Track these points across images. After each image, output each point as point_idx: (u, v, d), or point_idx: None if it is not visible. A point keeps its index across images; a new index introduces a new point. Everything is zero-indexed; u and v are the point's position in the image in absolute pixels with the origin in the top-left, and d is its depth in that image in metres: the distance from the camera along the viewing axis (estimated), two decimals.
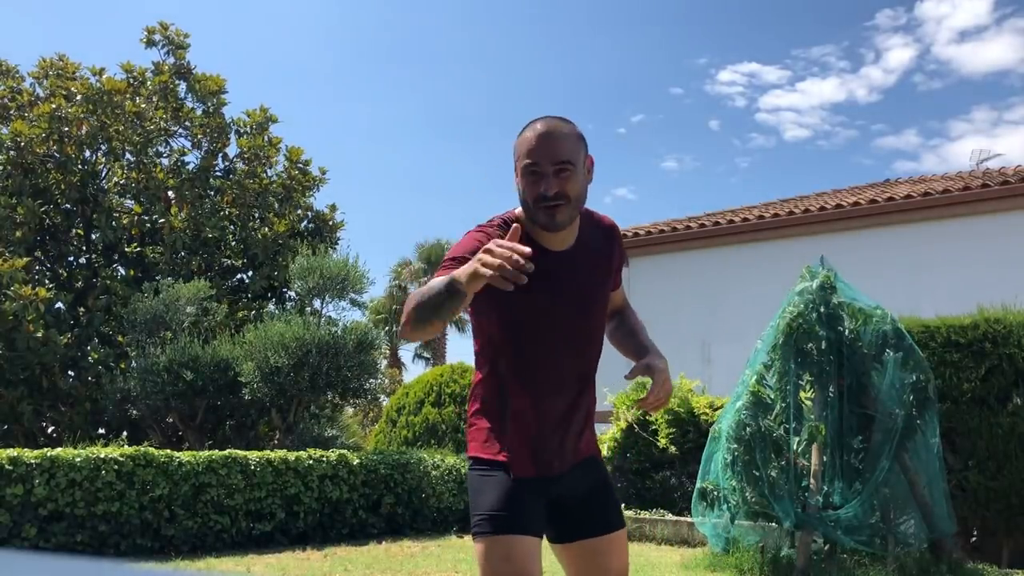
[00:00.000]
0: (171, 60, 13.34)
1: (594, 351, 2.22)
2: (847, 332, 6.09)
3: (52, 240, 12.43)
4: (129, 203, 13.07)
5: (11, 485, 6.28)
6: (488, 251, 1.76)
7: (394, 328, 29.63)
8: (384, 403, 17.39)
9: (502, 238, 1.96)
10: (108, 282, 11.98)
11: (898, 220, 10.90)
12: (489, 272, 1.74)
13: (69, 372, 11.50)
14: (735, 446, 6.03)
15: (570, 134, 2.06)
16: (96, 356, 11.56)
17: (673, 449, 8.32)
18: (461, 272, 1.83)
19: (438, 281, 1.89)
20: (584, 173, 2.09)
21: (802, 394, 6.05)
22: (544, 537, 2.19)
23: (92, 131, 12.04)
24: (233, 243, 13.26)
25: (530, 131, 2.06)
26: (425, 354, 30.63)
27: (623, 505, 7.28)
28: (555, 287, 2.10)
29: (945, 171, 13.78)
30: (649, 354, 2.21)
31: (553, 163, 2.01)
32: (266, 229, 12.95)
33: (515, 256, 1.72)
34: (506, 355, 2.18)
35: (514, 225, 1.91)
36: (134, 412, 10.53)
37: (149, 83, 13.05)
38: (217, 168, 13.47)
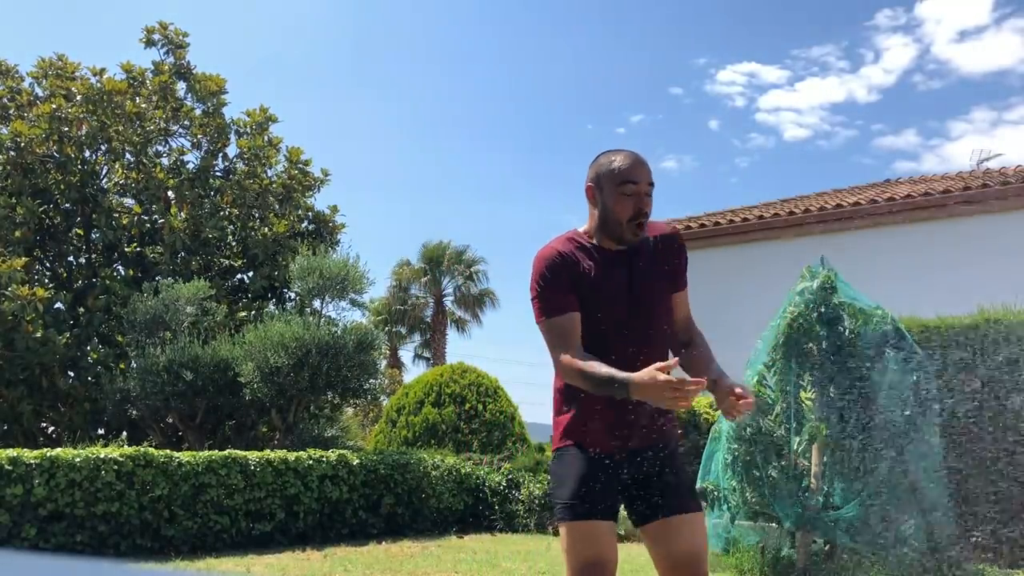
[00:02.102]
0: (170, 60, 13.34)
1: (658, 336, 2.43)
2: (847, 332, 6.09)
3: (51, 240, 12.42)
4: (129, 203, 13.07)
5: (11, 485, 6.27)
6: (675, 390, 2.09)
7: (394, 328, 29.67)
8: (384, 403, 17.39)
9: (576, 258, 2.40)
10: (108, 282, 11.97)
11: (898, 220, 10.89)
12: (657, 395, 2.12)
13: (69, 372, 11.49)
14: (735, 446, 6.03)
15: (648, 164, 2.43)
16: (96, 356, 11.56)
17: None
18: (634, 380, 2.15)
19: (611, 377, 2.21)
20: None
21: (802, 394, 6.05)
22: (631, 520, 2.48)
23: (92, 131, 12.04)
24: (233, 243, 13.26)
25: (624, 159, 2.40)
26: (425, 354, 30.63)
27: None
28: (616, 279, 2.40)
29: (945, 171, 13.78)
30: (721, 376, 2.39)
31: (648, 185, 2.38)
32: (266, 229, 12.95)
33: (688, 396, 2.10)
34: (590, 334, 2.40)
35: (694, 387, 2.13)
36: (134, 412, 10.52)
37: (149, 83, 13.04)
38: (217, 168, 13.46)
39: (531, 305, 2.45)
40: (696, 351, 2.52)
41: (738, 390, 2.26)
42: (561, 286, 2.37)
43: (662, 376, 2.11)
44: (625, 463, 2.42)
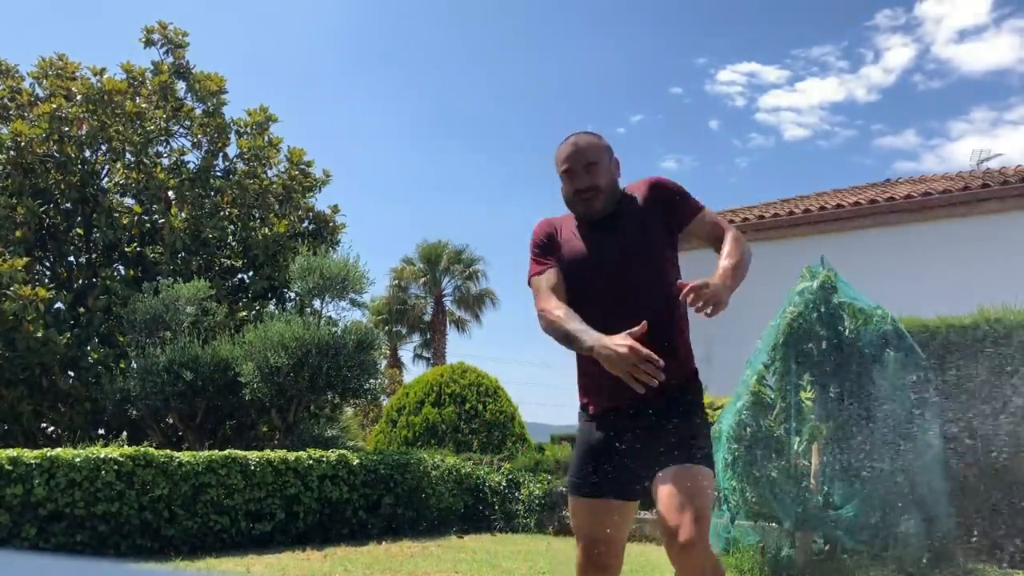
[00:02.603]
0: (170, 59, 13.33)
1: (651, 301, 2.45)
2: (847, 332, 6.09)
3: (52, 240, 12.41)
4: (129, 203, 13.06)
5: (11, 485, 6.27)
6: (627, 353, 2.17)
7: (394, 328, 29.67)
8: (384, 403, 17.38)
9: (561, 225, 2.62)
10: (108, 282, 11.97)
11: (898, 220, 10.89)
12: (617, 368, 2.19)
13: (69, 372, 11.49)
14: (735, 446, 6.02)
15: (594, 141, 2.60)
16: (96, 356, 11.56)
17: None
18: (596, 347, 2.25)
19: (574, 335, 2.34)
20: (612, 173, 2.59)
21: (802, 394, 6.05)
22: (632, 496, 2.51)
23: (92, 131, 12.04)
24: (233, 243, 13.25)
25: (564, 145, 2.60)
26: (425, 354, 30.62)
27: None
28: (595, 249, 2.53)
29: (945, 171, 13.78)
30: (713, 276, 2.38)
31: (583, 164, 2.54)
32: (266, 230, 12.95)
33: (642, 367, 2.16)
34: (573, 306, 2.50)
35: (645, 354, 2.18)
36: (134, 412, 10.52)
37: (149, 83, 13.04)
38: (217, 168, 13.46)
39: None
40: (719, 261, 2.50)
41: (691, 286, 2.25)
42: (544, 248, 2.60)
43: (623, 346, 2.17)
44: (628, 425, 2.43)
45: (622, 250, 2.49)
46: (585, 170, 2.53)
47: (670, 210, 2.55)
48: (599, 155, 2.56)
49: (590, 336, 2.29)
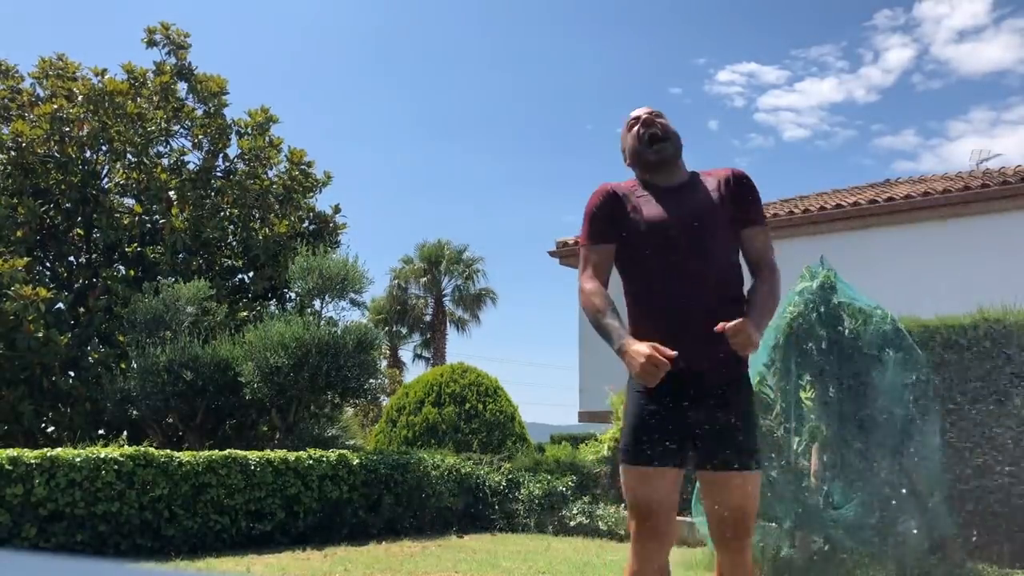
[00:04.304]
0: (172, 60, 13.34)
1: (714, 270, 2.48)
2: (847, 332, 6.09)
3: (53, 240, 12.42)
4: (130, 203, 13.07)
5: (11, 485, 6.27)
6: (646, 364, 2.26)
7: (394, 328, 29.66)
8: (384, 403, 17.38)
9: (626, 194, 2.60)
10: (108, 282, 11.97)
11: (898, 220, 10.89)
12: (635, 375, 2.31)
13: (69, 372, 11.49)
14: None
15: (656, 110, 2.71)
16: (96, 356, 11.56)
17: None
18: (621, 350, 2.35)
19: (608, 328, 2.42)
20: (677, 134, 2.66)
21: (802, 394, 6.05)
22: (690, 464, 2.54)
23: (93, 131, 12.04)
24: (234, 244, 13.26)
25: (632, 111, 2.73)
26: (425, 354, 30.63)
27: (624, 506, 7.27)
28: (674, 209, 2.54)
29: (944, 171, 13.78)
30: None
31: (648, 115, 2.67)
32: (267, 230, 12.95)
33: (653, 372, 2.27)
34: (640, 274, 2.56)
35: (666, 358, 2.28)
36: (134, 412, 10.51)
37: (150, 83, 13.05)
38: (218, 169, 13.46)
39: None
40: (748, 300, 2.53)
41: (735, 323, 2.28)
42: (602, 217, 2.59)
43: (643, 356, 2.27)
44: (685, 393, 2.45)
45: (696, 211, 2.52)
46: (651, 117, 2.65)
47: (738, 206, 2.58)
48: (664, 114, 2.70)
49: (618, 335, 2.37)
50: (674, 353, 2.27)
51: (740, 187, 2.59)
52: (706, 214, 2.52)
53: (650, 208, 2.54)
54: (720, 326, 2.28)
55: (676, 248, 2.48)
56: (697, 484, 6.55)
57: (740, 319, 2.30)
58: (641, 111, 2.70)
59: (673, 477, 2.49)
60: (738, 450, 2.44)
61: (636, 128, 2.66)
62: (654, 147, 2.60)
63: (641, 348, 2.29)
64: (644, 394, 2.50)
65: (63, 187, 12.21)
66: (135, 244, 12.78)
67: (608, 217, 2.58)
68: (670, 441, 2.46)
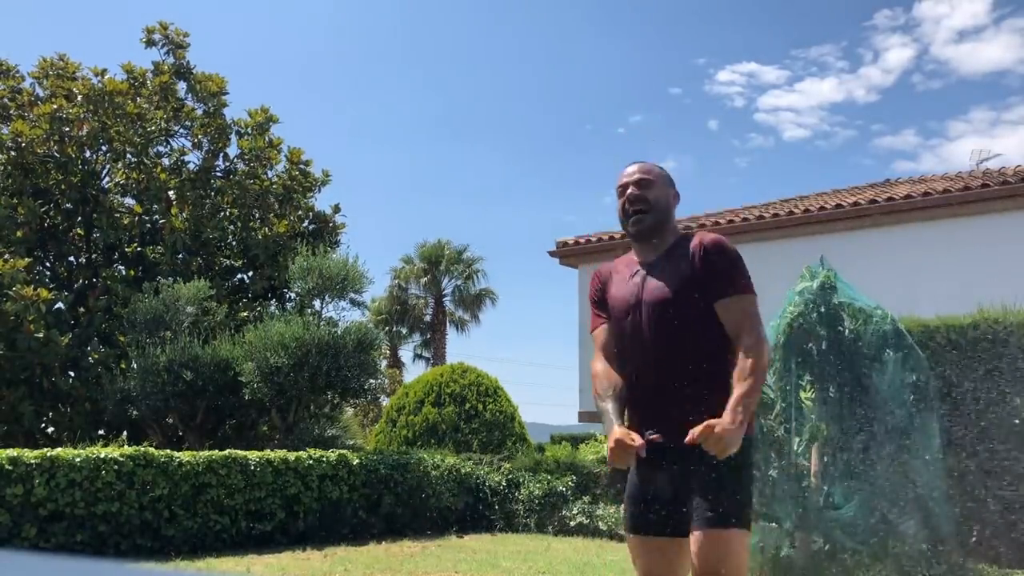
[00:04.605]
0: (171, 60, 13.34)
1: (680, 346, 2.47)
2: (847, 332, 6.09)
3: (53, 240, 12.42)
4: (130, 203, 13.07)
5: (11, 485, 6.28)
6: (613, 449, 2.39)
7: (394, 328, 29.66)
8: (384, 403, 17.39)
9: (610, 272, 2.71)
10: (109, 282, 11.98)
11: (898, 220, 10.89)
12: (609, 461, 2.43)
13: (69, 372, 11.49)
14: None
15: (655, 169, 2.69)
16: (96, 356, 11.56)
17: None
18: (606, 434, 2.47)
19: (603, 412, 2.53)
20: (667, 195, 2.66)
21: (802, 394, 6.05)
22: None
23: (93, 131, 12.04)
24: (233, 244, 13.26)
25: (626, 166, 2.71)
26: (425, 354, 30.62)
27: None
28: (640, 288, 2.57)
29: (944, 171, 13.78)
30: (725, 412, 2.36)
31: (635, 182, 2.64)
32: (266, 230, 12.95)
33: (620, 456, 2.38)
34: (617, 348, 2.62)
35: (639, 446, 2.37)
36: (134, 412, 10.52)
37: (149, 83, 13.05)
38: (218, 168, 13.46)
39: None
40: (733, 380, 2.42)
41: (701, 428, 2.26)
42: (595, 301, 2.72)
43: (613, 441, 2.38)
44: (667, 465, 2.44)
45: (664, 288, 2.52)
46: (637, 186, 2.62)
47: (708, 278, 2.50)
48: (657, 178, 2.66)
49: (609, 421, 2.46)
50: (640, 442, 2.34)
51: (707, 258, 2.51)
52: (675, 291, 2.49)
53: (621, 288, 2.61)
54: (689, 438, 2.27)
55: (641, 328, 2.52)
56: None
57: (705, 424, 2.25)
58: (630, 175, 2.66)
59: (671, 547, 2.46)
60: (711, 507, 2.34)
61: (621, 200, 2.66)
62: (631, 219, 2.61)
63: (613, 433, 2.38)
64: (637, 465, 2.49)
65: (63, 187, 12.21)
66: (135, 244, 12.78)
67: (599, 301, 2.70)
68: (662, 509, 2.46)
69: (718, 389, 2.40)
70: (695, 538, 2.34)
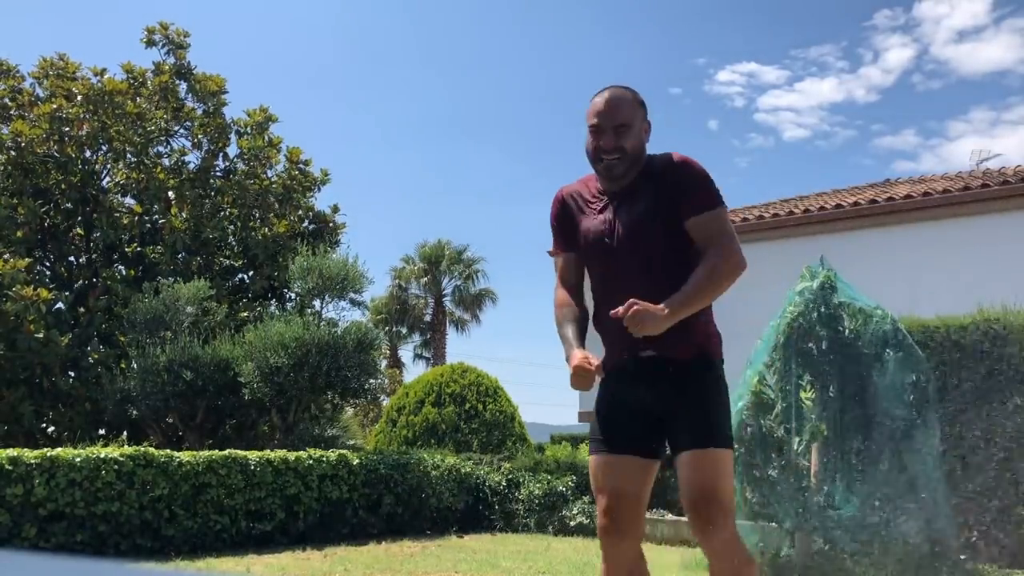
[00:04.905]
0: (171, 60, 13.34)
1: (655, 276, 2.44)
2: (847, 332, 6.09)
3: (52, 240, 12.42)
4: (130, 203, 13.07)
5: (11, 485, 6.27)
6: (573, 373, 2.37)
7: (394, 328, 29.66)
8: (384, 403, 17.39)
9: (573, 200, 2.60)
10: (108, 282, 11.97)
11: (898, 220, 10.89)
12: (573, 385, 2.38)
13: (69, 372, 11.49)
14: (736, 446, 6.02)
15: (630, 99, 2.49)
16: (96, 356, 11.56)
17: None
18: (567, 359, 2.45)
19: (563, 339, 2.52)
20: (641, 137, 2.51)
21: (802, 394, 6.05)
22: (659, 454, 2.53)
23: (93, 131, 12.04)
24: (233, 243, 13.26)
25: (597, 96, 2.49)
26: (425, 354, 30.62)
27: None
28: (612, 223, 2.49)
29: (944, 171, 13.78)
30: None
31: (613, 124, 2.44)
32: (266, 230, 12.95)
33: (581, 378, 2.37)
34: (591, 277, 2.62)
35: (596, 366, 2.39)
36: (134, 412, 10.52)
37: (150, 83, 13.05)
38: (217, 168, 13.46)
39: None
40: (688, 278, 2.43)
41: (625, 306, 2.27)
42: (557, 228, 2.64)
43: (572, 366, 2.37)
44: (641, 386, 2.46)
45: (631, 224, 2.46)
46: (614, 131, 2.44)
47: (679, 196, 2.45)
48: (632, 116, 2.47)
49: (568, 345, 2.46)
50: (598, 361, 2.37)
51: (678, 179, 2.45)
52: (646, 218, 2.44)
53: (590, 220, 2.53)
54: (613, 312, 2.29)
55: (613, 257, 2.48)
56: None
57: (630, 302, 2.26)
58: (608, 117, 2.44)
59: (638, 466, 2.44)
60: (693, 429, 2.39)
61: (594, 142, 2.48)
62: (603, 165, 2.47)
63: (572, 357, 2.38)
64: (605, 385, 2.54)
65: (63, 187, 12.21)
66: (135, 244, 12.78)
67: (560, 227, 2.63)
68: (635, 428, 2.46)
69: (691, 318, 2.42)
70: (687, 459, 2.35)
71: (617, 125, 2.44)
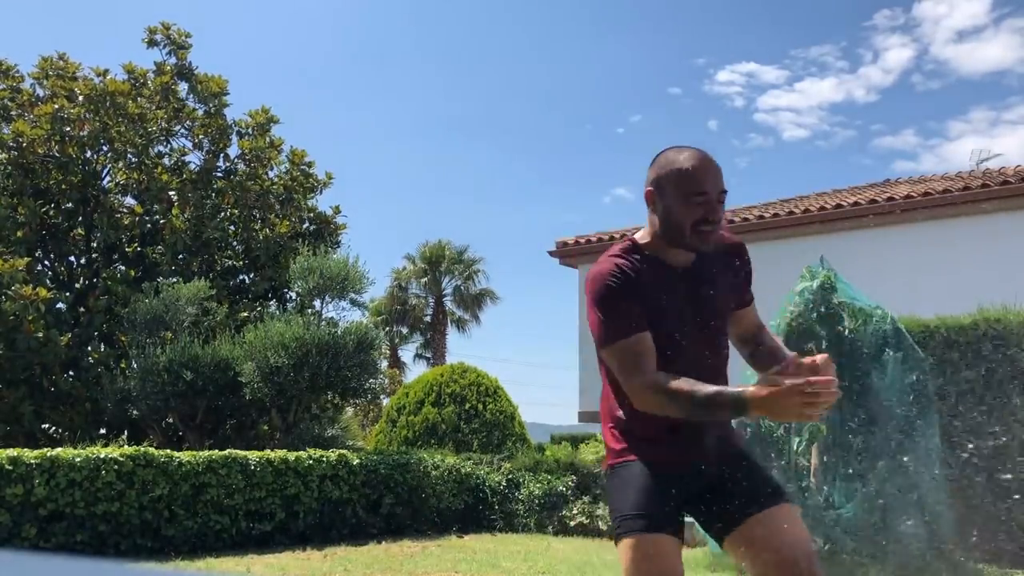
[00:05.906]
0: (173, 60, 13.34)
1: (722, 354, 2.29)
2: (847, 332, 6.09)
3: (53, 240, 12.43)
4: (130, 203, 13.08)
5: (11, 485, 6.28)
6: (803, 393, 1.90)
7: (394, 328, 29.67)
8: (384, 403, 17.39)
9: (637, 271, 2.22)
10: (109, 282, 11.98)
11: (898, 220, 10.89)
12: (789, 407, 1.93)
13: (69, 372, 11.50)
14: None
15: (720, 167, 2.26)
16: (96, 356, 11.57)
17: None
18: (754, 398, 1.97)
19: (719, 395, 2.05)
20: None
21: None
22: (716, 537, 2.27)
23: (94, 132, 12.05)
24: (234, 244, 13.26)
25: (693, 161, 2.21)
26: (425, 354, 30.62)
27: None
28: (680, 299, 2.25)
29: (944, 171, 13.78)
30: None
31: (718, 192, 2.19)
32: (267, 230, 12.96)
33: (826, 391, 1.91)
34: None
35: (804, 363, 2.00)
36: (134, 412, 10.52)
37: (151, 83, 13.05)
38: (218, 169, 13.47)
39: (591, 331, 2.25)
40: (765, 346, 2.36)
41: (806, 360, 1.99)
42: (626, 305, 2.20)
43: (787, 381, 1.91)
44: (690, 476, 2.25)
45: (711, 307, 2.28)
46: (718, 200, 2.19)
47: (745, 284, 2.39)
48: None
49: (732, 391, 2.04)
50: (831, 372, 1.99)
51: (744, 265, 2.39)
52: (723, 302, 2.32)
53: (663, 294, 2.23)
54: (810, 359, 2.01)
55: (688, 342, 2.23)
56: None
57: (821, 355, 2.03)
58: (717, 185, 2.20)
59: (678, 549, 2.21)
60: (773, 485, 2.25)
61: (699, 210, 2.18)
62: (703, 235, 2.20)
63: (763, 389, 1.96)
64: (641, 468, 2.25)
65: (63, 187, 12.21)
66: (135, 244, 12.79)
67: (632, 302, 2.21)
68: (676, 509, 2.23)
69: None
70: (771, 515, 2.14)
71: (721, 193, 2.21)
